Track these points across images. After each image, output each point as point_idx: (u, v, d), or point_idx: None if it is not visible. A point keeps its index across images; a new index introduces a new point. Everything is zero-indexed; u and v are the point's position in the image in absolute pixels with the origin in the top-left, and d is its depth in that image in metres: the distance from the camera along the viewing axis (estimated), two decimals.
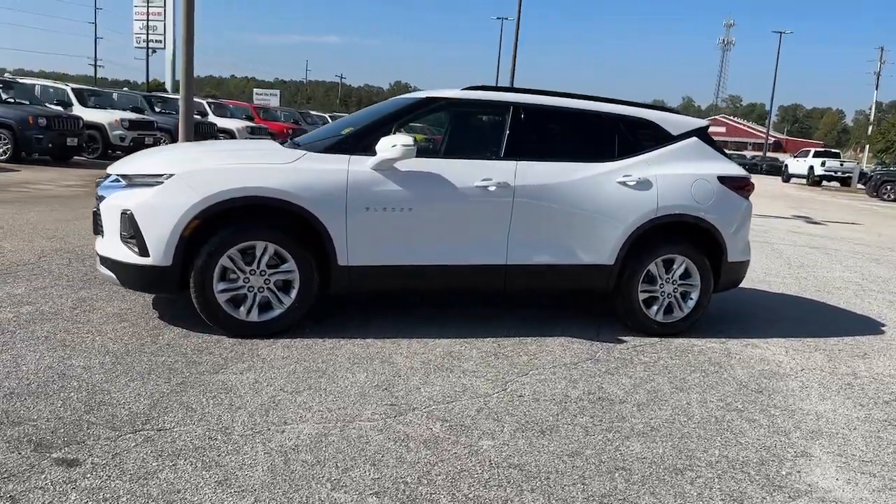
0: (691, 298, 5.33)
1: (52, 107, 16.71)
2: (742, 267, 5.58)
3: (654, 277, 5.23)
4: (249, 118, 24.67)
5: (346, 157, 4.59)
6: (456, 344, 4.70)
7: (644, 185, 5.10)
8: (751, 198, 5.58)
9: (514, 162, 4.89)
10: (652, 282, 5.24)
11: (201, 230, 4.31)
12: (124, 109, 18.78)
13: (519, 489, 2.88)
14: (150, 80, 52.18)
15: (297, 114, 31.17)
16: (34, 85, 17.91)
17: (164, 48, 52.86)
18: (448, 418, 3.50)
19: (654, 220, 5.10)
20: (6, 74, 26.63)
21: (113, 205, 4.42)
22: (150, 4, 49.30)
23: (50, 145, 14.85)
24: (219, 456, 2.94)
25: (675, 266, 5.25)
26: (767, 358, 4.99)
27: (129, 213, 4.31)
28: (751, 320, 6.07)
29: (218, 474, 2.80)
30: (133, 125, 17.55)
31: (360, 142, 4.67)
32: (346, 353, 4.33)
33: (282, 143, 5.07)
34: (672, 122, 5.42)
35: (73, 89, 18.01)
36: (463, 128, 5.57)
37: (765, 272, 8.56)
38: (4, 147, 14.51)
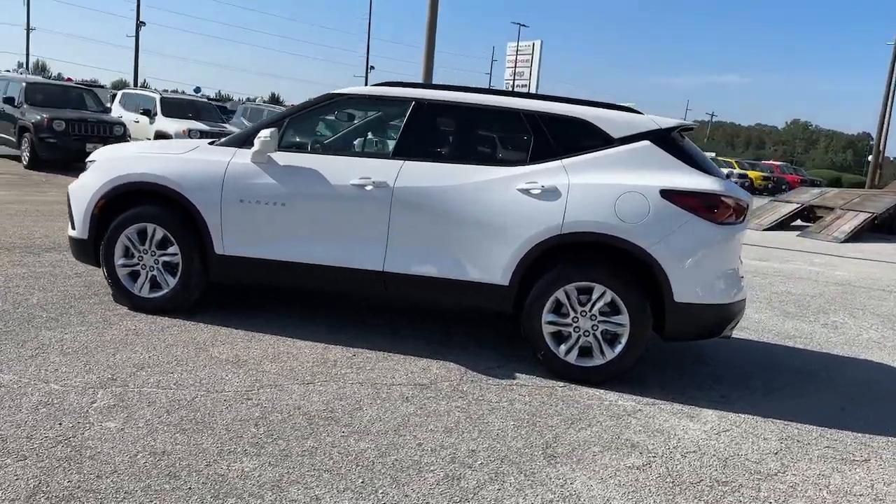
0: (620, 343, 4.23)
1: None
2: (709, 311, 4.23)
3: (566, 308, 4.30)
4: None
5: (234, 149, 4.75)
6: (309, 346, 4.48)
7: (550, 194, 4.24)
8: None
9: (401, 161, 4.50)
10: (565, 313, 4.31)
11: (108, 209, 4.87)
12: None
13: (17, 463, 2.78)
14: None
15: None
16: (264, 109, 21.12)
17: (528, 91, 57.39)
18: (127, 400, 3.45)
19: (558, 237, 4.21)
20: None
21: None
22: (518, 52, 54.07)
23: None
24: None
25: (594, 297, 4.23)
26: (669, 431, 3.73)
27: (67, 191, 5.09)
28: (762, 389, 4.53)
29: None
30: None
31: (251, 136, 4.77)
32: (187, 337, 4.46)
33: (210, 143, 5.38)
34: (614, 123, 4.38)
35: None
36: (361, 125, 5.26)
37: None
38: None
